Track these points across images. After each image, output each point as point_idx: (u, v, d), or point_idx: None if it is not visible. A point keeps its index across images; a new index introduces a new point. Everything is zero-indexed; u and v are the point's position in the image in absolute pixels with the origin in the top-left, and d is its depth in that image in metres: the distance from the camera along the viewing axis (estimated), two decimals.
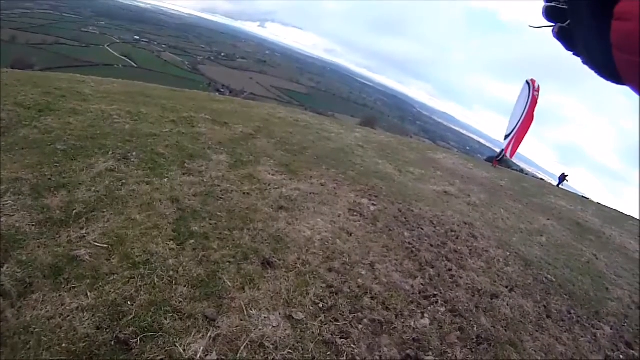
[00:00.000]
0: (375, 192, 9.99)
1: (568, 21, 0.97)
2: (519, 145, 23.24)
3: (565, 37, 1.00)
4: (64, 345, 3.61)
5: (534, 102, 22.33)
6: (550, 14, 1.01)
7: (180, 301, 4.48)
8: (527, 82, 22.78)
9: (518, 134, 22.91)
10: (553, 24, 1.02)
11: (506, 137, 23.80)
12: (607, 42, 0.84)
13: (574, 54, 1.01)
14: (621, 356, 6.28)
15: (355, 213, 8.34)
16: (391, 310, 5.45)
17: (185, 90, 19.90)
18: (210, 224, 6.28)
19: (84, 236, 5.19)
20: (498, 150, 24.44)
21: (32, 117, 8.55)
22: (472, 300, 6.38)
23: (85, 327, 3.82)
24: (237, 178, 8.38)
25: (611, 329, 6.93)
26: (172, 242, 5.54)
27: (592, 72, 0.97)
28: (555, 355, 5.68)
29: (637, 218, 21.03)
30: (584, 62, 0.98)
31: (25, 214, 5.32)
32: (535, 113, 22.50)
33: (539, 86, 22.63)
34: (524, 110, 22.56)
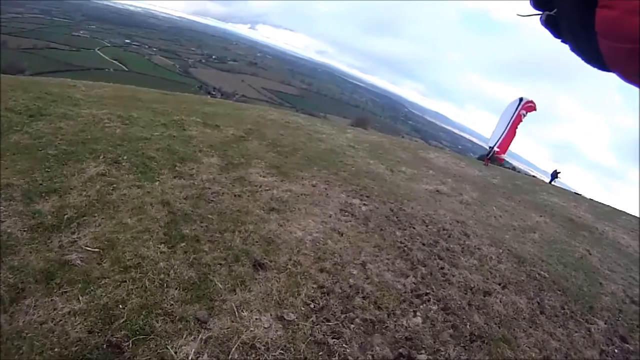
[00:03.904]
0: (366, 192, 10.01)
1: (555, 9, 0.99)
2: (506, 148, 23.47)
3: (553, 25, 1.02)
4: (56, 349, 3.62)
5: (518, 119, 22.67)
6: (537, 2, 1.04)
7: (172, 304, 4.49)
8: (519, 98, 22.96)
9: (500, 146, 23.18)
10: (540, 12, 1.04)
11: (490, 148, 23.95)
12: (592, 29, 0.87)
13: (561, 42, 1.03)
14: (616, 350, 6.30)
15: (346, 213, 8.35)
16: (383, 309, 5.46)
17: (176, 93, 19.90)
18: (201, 227, 6.29)
19: (76, 241, 5.21)
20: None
21: (23, 122, 8.55)
22: (464, 298, 6.40)
23: (77, 331, 3.83)
24: (228, 180, 8.39)
25: (605, 324, 6.96)
26: (163, 245, 5.55)
27: (580, 59, 1.00)
28: (549, 351, 5.69)
29: (630, 213, 21.12)
30: (572, 49, 1.00)
31: (16, 220, 5.33)
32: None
33: (530, 106, 22.88)
34: (507, 125, 22.84)
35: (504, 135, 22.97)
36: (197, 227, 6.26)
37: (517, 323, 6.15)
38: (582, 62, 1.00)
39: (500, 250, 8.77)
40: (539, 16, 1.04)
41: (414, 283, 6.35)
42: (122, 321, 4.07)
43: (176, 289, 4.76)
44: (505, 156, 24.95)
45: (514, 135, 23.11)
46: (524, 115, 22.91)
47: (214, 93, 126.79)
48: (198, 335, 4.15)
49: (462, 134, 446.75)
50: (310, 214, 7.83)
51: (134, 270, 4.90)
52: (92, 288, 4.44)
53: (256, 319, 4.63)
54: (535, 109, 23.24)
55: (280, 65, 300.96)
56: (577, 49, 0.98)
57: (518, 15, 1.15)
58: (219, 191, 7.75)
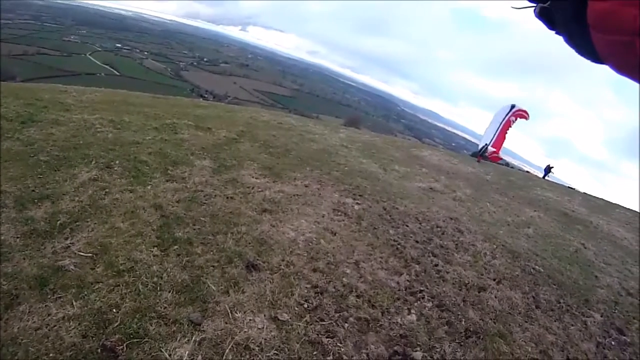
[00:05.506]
0: (359, 192, 10.02)
1: (548, 1, 0.99)
2: (498, 150, 23.70)
3: (546, 17, 1.02)
4: (51, 355, 3.63)
5: (507, 124, 22.97)
6: None
7: (165, 307, 4.50)
8: (511, 105, 23.15)
9: (494, 147, 23.43)
10: (534, 4, 1.04)
11: (485, 145, 24.07)
12: (584, 21, 0.87)
13: (556, 33, 1.03)
14: (612, 342, 6.33)
15: (339, 213, 8.36)
16: (377, 307, 5.48)
17: (168, 97, 19.86)
18: (194, 229, 6.30)
19: (69, 246, 5.21)
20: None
21: (14, 129, 8.53)
22: (459, 294, 6.42)
23: (71, 336, 3.84)
24: (221, 183, 8.39)
25: (601, 316, 6.99)
26: (155, 248, 5.56)
27: (574, 51, 0.99)
28: (545, 345, 5.71)
29: (624, 206, 21.19)
30: (566, 41, 1.00)
31: (9, 227, 5.33)
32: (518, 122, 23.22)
33: (521, 114, 23.12)
34: (497, 130, 23.05)
35: (494, 139, 23.15)
36: (189, 229, 6.27)
37: (513, 318, 6.17)
38: (576, 54, 1.00)
39: (495, 246, 8.79)
40: (533, 8, 1.05)
41: (407, 281, 6.37)
42: (116, 325, 4.08)
43: (169, 291, 4.77)
44: (500, 154, 25.04)
45: (504, 139, 23.31)
46: (514, 122, 23.16)
47: (206, 96, 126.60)
48: (192, 337, 4.17)
49: (455, 131, 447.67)
50: (302, 214, 7.84)
51: (127, 274, 4.91)
52: (85, 293, 4.45)
53: (250, 320, 4.64)
54: (526, 118, 23.42)
55: (272, 66, 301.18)
56: (571, 41, 0.98)
57: (512, 7, 1.15)
58: (211, 193, 7.75)
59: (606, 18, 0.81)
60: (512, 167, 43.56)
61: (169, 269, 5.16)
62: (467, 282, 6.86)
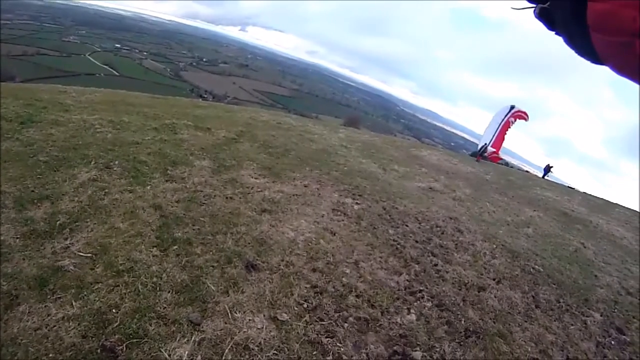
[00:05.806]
0: (359, 191, 10.01)
1: (548, 1, 0.98)
2: (498, 150, 23.80)
3: (546, 18, 1.02)
4: (50, 355, 3.62)
5: (506, 125, 23.19)
6: None
7: (165, 307, 4.50)
8: (510, 106, 23.26)
9: (493, 147, 23.57)
10: (534, 5, 1.03)
11: (483, 145, 24.15)
12: (584, 22, 0.86)
13: (555, 34, 1.03)
14: (612, 342, 6.31)
15: (339, 213, 8.35)
16: (377, 307, 5.47)
17: (167, 97, 19.82)
18: (193, 230, 6.29)
19: (68, 246, 5.20)
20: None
21: (14, 129, 8.51)
22: (459, 294, 6.41)
23: (71, 337, 3.84)
24: (220, 183, 8.38)
25: (601, 316, 6.98)
26: (155, 248, 5.55)
27: (574, 52, 0.99)
28: (545, 345, 5.70)
29: (623, 205, 21.21)
30: (565, 42, 1.00)
31: (9, 227, 5.32)
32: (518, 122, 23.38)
33: (520, 115, 23.26)
34: (496, 131, 23.16)
35: (493, 140, 23.24)
36: (189, 230, 6.26)
37: (513, 317, 6.16)
38: (576, 55, 0.99)
39: (494, 246, 8.78)
40: (533, 9, 1.04)
41: (407, 280, 6.36)
42: (115, 325, 4.08)
43: (169, 292, 4.77)
44: (500, 154, 25.10)
45: (503, 140, 23.42)
46: (513, 123, 23.29)
47: (205, 96, 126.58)
48: (191, 338, 4.16)
49: (454, 131, 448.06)
50: (302, 214, 7.83)
51: (127, 274, 4.91)
52: (85, 293, 4.44)
53: (249, 320, 4.64)
54: (525, 119, 23.56)
55: (271, 66, 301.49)
56: (571, 41, 0.97)
57: (512, 8, 1.15)
58: (210, 194, 7.75)
59: (606, 19, 0.81)
60: (511, 167, 43.57)
61: (168, 269, 5.16)
62: (466, 281, 6.85)
